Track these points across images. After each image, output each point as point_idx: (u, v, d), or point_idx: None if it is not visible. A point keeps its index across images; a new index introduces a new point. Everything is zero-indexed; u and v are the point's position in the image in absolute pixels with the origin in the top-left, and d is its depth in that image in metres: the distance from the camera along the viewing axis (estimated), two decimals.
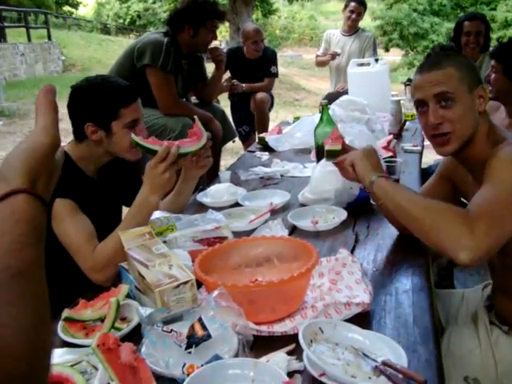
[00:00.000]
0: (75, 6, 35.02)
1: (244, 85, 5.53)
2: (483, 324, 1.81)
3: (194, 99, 4.35)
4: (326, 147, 1.81)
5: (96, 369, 1.33)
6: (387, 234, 2.15)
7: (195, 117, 2.17)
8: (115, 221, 1.98)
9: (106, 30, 33.73)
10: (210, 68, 4.37)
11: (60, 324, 1.58)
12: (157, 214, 2.04)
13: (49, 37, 19.42)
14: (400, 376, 1.25)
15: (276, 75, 5.73)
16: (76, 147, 2.16)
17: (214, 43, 5.00)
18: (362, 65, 4.81)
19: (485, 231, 1.43)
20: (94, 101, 2.08)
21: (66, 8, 33.58)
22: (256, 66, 5.49)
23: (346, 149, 1.93)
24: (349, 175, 1.90)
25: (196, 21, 3.67)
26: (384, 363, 1.28)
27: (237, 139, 5.10)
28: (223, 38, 26.99)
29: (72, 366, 1.36)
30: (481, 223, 1.43)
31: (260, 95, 5.55)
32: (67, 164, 2.10)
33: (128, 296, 1.68)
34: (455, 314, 2.02)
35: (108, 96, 2.08)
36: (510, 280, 1.75)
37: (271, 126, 5.78)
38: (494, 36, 21.38)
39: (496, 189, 1.51)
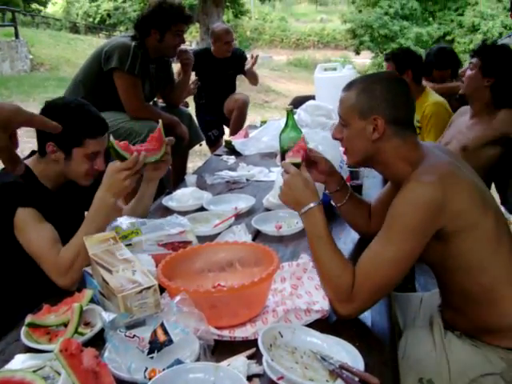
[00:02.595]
0: (44, 3, 34.54)
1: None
2: (438, 327, 1.86)
3: (161, 102, 4.35)
4: (287, 160, 1.84)
5: (59, 374, 1.34)
6: (349, 239, 2.20)
7: (160, 122, 2.19)
8: (78, 227, 1.99)
9: (75, 29, 33.33)
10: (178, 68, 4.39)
11: (23, 330, 1.59)
12: (122, 220, 2.06)
13: (16, 35, 19.10)
14: (356, 379, 1.29)
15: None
16: (37, 162, 2.19)
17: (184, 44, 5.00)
18: (328, 70, 4.85)
19: (364, 301, 1.60)
20: (63, 122, 2.08)
21: (35, 6, 33.10)
22: (226, 65, 5.46)
23: (311, 157, 1.97)
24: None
25: (161, 25, 3.66)
26: (341, 366, 1.32)
27: (204, 143, 5.08)
28: (193, 38, 26.95)
29: (35, 371, 1.37)
30: (360, 295, 1.58)
31: (241, 96, 5.56)
32: (29, 177, 2.12)
33: (92, 301, 1.69)
34: (413, 318, 2.07)
35: (77, 122, 2.10)
36: (451, 294, 1.82)
37: None
38: (461, 40, 21.76)
39: (385, 247, 1.60)
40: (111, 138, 2.00)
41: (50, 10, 38.30)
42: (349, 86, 1.81)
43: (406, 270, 1.62)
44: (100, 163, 2.18)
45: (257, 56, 5.57)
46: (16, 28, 19.38)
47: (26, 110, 1.10)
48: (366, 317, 1.63)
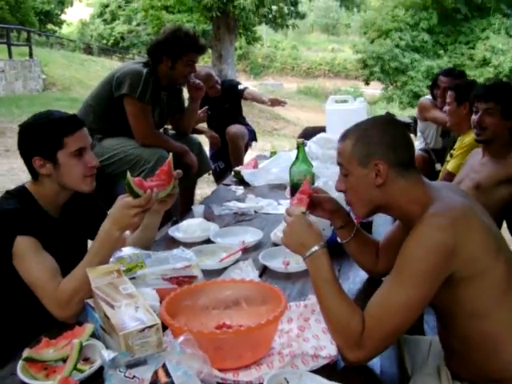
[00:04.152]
0: (59, 24, 34.98)
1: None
2: (445, 376, 1.80)
3: (170, 129, 4.32)
4: (291, 208, 1.82)
5: None
6: (358, 279, 2.15)
7: (170, 155, 2.16)
8: (80, 256, 1.95)
9: (88, 50, 33.70)
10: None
11: (20, 364, 1.54)
12: (127, 251, 2.02)
13: (30, 54, 19.32)
14: None
15: (243, 90, 5.60)
16: (34, 186, 2.15)
17: (200, 66, 4.97)
18: (339, 101, 4.85)
19: (374, 347, 1.54)
20: (37, 133, 2.08)
21: (50, 26, 33.55)
22: (220, 101, 5.39)
23: (317, 200, 1.94)
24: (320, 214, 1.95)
25: (173, 54, 3.65)
26: None
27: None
28: (205, 64, 27.17)
29: None
30: (370, 342, 1.53)
31: (233, 129, 5.43)
32: (28, 202, 2.09)
33: (93, 335, 1.65)
34: (421, 363, 2.01)
35: (50, 126, 2.08)
36: (454, 340, 1.76)
37: (249, 155, 5.74)
38: (471, 73, 21.82)
39: (396, 291, 1.56)
40: (128, 174, 1.93)
41: (65, 30, 38.75)
42: (344, 136, 1.77)
43: (417, 315, 1.58)
44: (90, 158, 2.13)
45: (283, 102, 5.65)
46: (30, 48, 19.62)
47: None
48: (375, 363, 1.58)
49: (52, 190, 2.14)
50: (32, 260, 1.94)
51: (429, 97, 5.26)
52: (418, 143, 5.41)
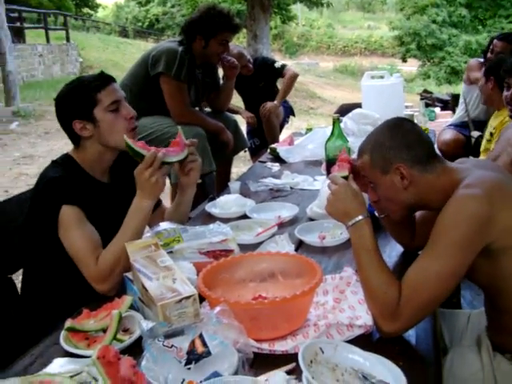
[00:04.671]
0: (94, 8, 35.14)
1: (275, 102, 5.35)
2: (486, 348, 1.79)
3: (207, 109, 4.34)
4: (333, 174, 1.82)
5: (96, 380, 1.32)
6: (394, 252, 2.14)
7: (179, 128, 2.21)
8: None
9: (124, 33, 33.90)
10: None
11: (63, 334, 1.59)
12: (164, 225, 2.05)
13: (67, 38, 19.56)
14: None
15: (282, 68, 5.40)
16: (77, 153, 2.17)
17: (232, 45, 4.94)
18: (375, 77, 4.79)
19: (410, 318, 1.54)
20: (71, 97, 2.12)
21: (86, 10, 33.72)
22: (254, 79, 5.32)
23: (357, 169, 1.93)
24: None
25: (207, 32, 3.66)
26: None
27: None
28: (241, 44, 27.10)
29: (72, 376, 1.36)
30: (406, 312, 1.53)
31: (267, 107, 5.35)
32: (73, 169, 2.11)
33: (131, 307, 1.68)
34: (459, 336, 2.00)
35: (81, 87, 2.11)
36: (500, 315, 1.74)
37: (285, 133, 5.71)
38: None
39: (432, 262, 1.55)
40: (125, 136, 2.01)
41: (101, 14, 38.97)
42: (360, 153, 1.82)
43: (453, 285, 1.57)
44: (127, 111, 2.16)
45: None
46: (67, 32, 19.86)
47: None
48: (411, 335, 1.58)
49: (95, 153, 2.16)
50: (75, 232, 1.98)
51: (480, 59, 5.16)
52: (458, 110, 5.31)
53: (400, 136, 1.74)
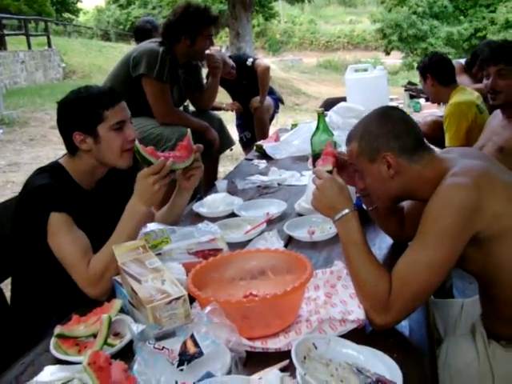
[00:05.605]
0: (75, 12, 34.94)
1: (258, 100, 5.37)
2: (481, 336, 1.78)
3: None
4: (317, 168, 1.81)
5: None
6: (384, 244, 2.14)
7: (188, 131, 2.17)
8: (112, 233, 1.98)
9: (106, 37, 33.73)
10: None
11: (53, 340, 1.57)
12: (152, 227, 2.03)
13: (49, 44, 19.41)
14: None
15: (253, 64, 5.36)
16: (70, 161, 2.14)
17: (214, 49, 4.93)
18: (359, 71, 4.80)
19: (401, 309, 1.54)
20: (77, 108, 2.07)
21: (67, 15, 33.54)
22: (236, 78, 5.26)
23: (340, 161, 1.92)
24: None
25: (192, 31, 3.64)
26: (378, 380, 1.26)
27: (237, 145, 5.03)
28: (223, 43, 27.04)
29: (63, 383, 1.35)
30: (397, 304, 1.52)
31: (254, 102, 5.39)
32: (62, 177, 2.08)
33: (122, 310, 1.67)
34: (453, 325, 2.00)
35: (90, 101, 2.07)
36: (495, 303, 1.74)
37: (272, 130, 5.71)
38: (493, 38, 21.41)
39: (421, 252, 1.55)
40: (136, 142, 1.99)
41: (82, 18, 38.81)
42: (348, 139, 1.80)
43: (443, 275, 1.56)
44: (130, 132, 2.12)
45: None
46: (49, 37, 19.73)
47: None
48: (404, 326, 1.57)
49: (89, 166, 2.13)
50: (65, 237, 1.96)
51: (461, 60, 5.18)
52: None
53: (389, 125, 1.73)
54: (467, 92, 4.04)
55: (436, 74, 4.07)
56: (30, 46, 18.17)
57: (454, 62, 5.21)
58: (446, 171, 1.65)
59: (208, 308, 1.42)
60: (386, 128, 1.72)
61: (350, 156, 1.80)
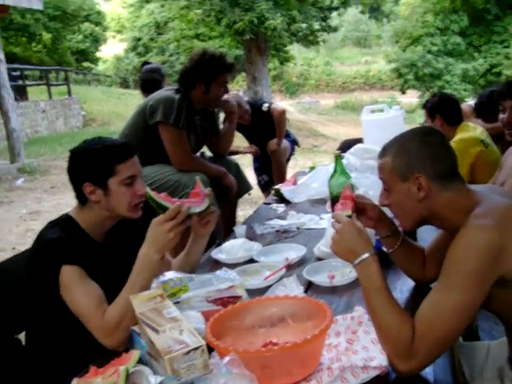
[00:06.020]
0: (95, 61, 35.68)
1: (275, 142, 5.40)
2: (509, 381, 1.73)
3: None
4: (336, 212, 1.79)
5: None
6: (406, 287, 2.10)
7: (197, 178, 2.20)
8: (125, 282, 1.96)
9: (125, 84, 34.30)
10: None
11: None
12: (170, 275, 2.02)
13: (69, 93, 19.80)
14: None
15: (269, 109, 5.41)
16: (80, 211, 2.14)
17: (232, 93, 4.97)
18: (376, 111, 4.81)
19: (426, 355, 1.49)
20: (90, 159, 2.07)
21: (86, 64, 34.22)
22: (252, 123, 5.33)
23: (359, 205, 1.90)
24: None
25: (206, 78, 3.67)
26: None
27: (255, 189, 5.04)
28: (241, 87, 27.34)
29: None
30: (422, 350, 1.48)
31: (273, 145, 5.42)
32: (73, 229, 2.09)
33: (140, 361, 1.64)
34: (480, 369, 1.94)
35: (103, 153, 2.07)
36: None
37: (290, 172, 5.72)
38: (508, 73, 21.44)
39: (445, 296, 1.51)
40: (148, 189, 1.99)
41: (101, 67, 39.52)
42: (383, 152, 1.77)
43: (469, 319, 1.52)
44: (140, 186, 2.11)
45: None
46: (69, 86, 20.13)
47: None
48: (428, 372, 1.53)
49: (99, 216, 2.13)
50: (78, 289, 1.95)
51: (471, 103, 5.18)
52: None
53: (430, 146, 1.70)
54: (471, 128, 4.04)
55: (445, 115, 4.07)
56: (50, 96, 18.54)
57: (465, 105, 5.23)
58: (473, 205, 1.62)
59: (227, 358, 1.39)
60: (426, 150, 1.68)
61: (381, 170, 1.76)
